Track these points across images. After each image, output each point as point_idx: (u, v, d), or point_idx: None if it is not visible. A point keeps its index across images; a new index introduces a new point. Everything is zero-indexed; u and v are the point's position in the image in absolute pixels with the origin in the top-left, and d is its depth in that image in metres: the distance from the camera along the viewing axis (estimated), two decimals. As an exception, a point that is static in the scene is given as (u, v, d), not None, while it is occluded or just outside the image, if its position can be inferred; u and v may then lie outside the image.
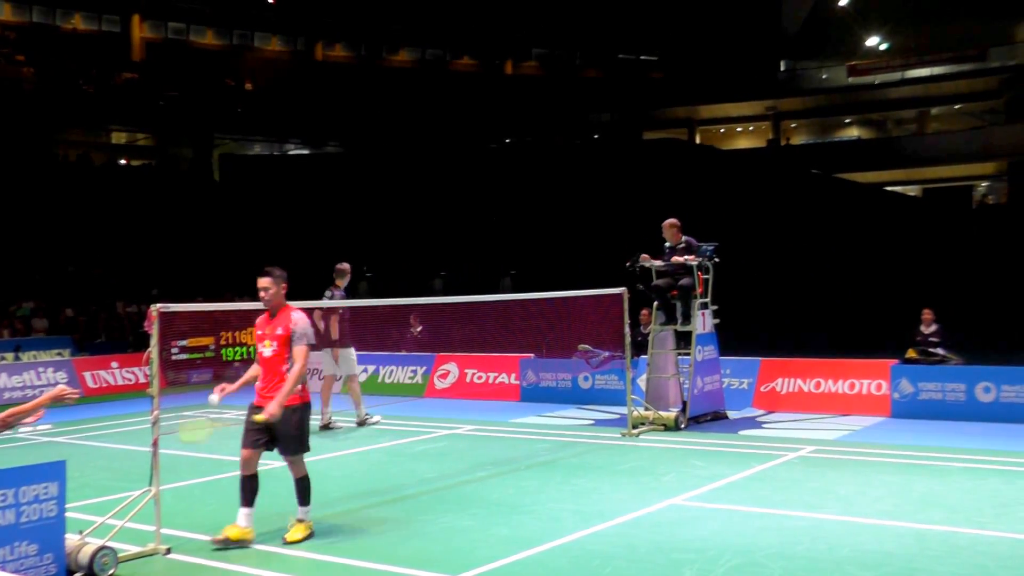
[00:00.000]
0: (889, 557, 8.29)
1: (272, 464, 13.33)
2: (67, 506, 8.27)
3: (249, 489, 9.43)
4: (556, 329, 20.97)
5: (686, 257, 16.01)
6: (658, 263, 16.32)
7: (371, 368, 22.60)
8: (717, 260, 16.16)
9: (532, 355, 21.04)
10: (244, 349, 25.13)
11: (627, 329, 15.20)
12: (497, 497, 10.88)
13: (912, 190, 52.87)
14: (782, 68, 63.80)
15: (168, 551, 8.88)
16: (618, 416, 16.75)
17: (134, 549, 8.79)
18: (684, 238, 16.27)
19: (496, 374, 20.90)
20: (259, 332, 9.55)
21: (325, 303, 16.16)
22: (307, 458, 13.86)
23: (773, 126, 60.25)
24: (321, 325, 16.47)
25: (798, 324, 29.24)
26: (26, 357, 25.32)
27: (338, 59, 63.01)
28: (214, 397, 9.31)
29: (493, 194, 44.08)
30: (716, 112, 61.75)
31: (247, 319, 24.90)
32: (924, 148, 52.18)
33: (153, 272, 36.31)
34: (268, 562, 8.61)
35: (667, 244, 16.38)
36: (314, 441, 15.54)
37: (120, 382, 23.65)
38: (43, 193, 39.32)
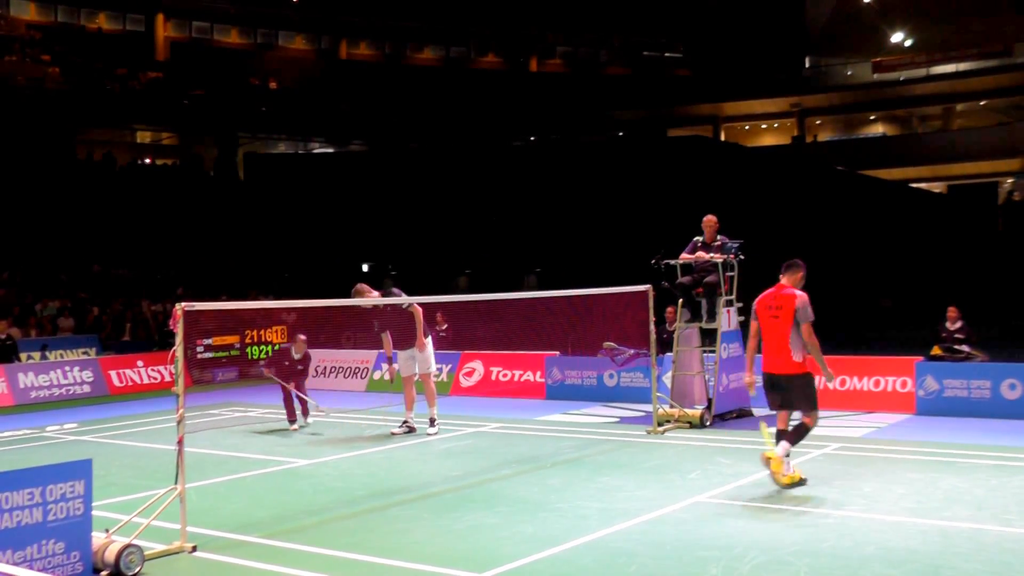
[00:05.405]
0: (914, 554, 8.26)
1: (296, 462, 13.39)
2: (93, 504, 8.33)
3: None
4: (581, 327, 20.91)
5: (711, 255, 16.00)
6: (684, 258, 16.31)
7: (396, 366, 22.61)
8: (742, 257, 16.11)
9: (557, 353, 21.00)
10: (269, 347, 25.09)
11: (652, 327, 15.17)
12: (523, 495, 10.87)
13: (937, 187, 52.60)
14: (807, 65, 63.54)
15: (194, 549, 8.90)
16: (643, 414, 16.71)
17: (160, 547, 8.81)
18: (720, 236, 16.24)
19: (521, 372, 20.86)
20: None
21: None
22: (332, 456, 13.97)
23: (798, 123, 60.04)
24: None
25: (823, 321, 29.08)
26: (52, 356, 25.41)
27: (362, 57, 63.08)
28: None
29: (517, 192, 44.06)
30: (741, 109, 61.55)
31: (272, 317, 25.15)
32: (949, 144, 52.02)
33: (178, 271, 36.45)
34: (292, 560, 8.62)
35: (699, 239, 16.33)
36: (339, 440, 15.65)
37: (146, 381, 23.71)
38: (68, 192, 39.50)
